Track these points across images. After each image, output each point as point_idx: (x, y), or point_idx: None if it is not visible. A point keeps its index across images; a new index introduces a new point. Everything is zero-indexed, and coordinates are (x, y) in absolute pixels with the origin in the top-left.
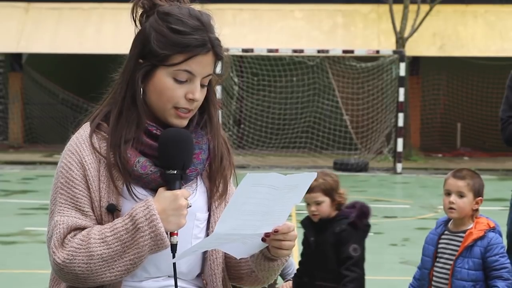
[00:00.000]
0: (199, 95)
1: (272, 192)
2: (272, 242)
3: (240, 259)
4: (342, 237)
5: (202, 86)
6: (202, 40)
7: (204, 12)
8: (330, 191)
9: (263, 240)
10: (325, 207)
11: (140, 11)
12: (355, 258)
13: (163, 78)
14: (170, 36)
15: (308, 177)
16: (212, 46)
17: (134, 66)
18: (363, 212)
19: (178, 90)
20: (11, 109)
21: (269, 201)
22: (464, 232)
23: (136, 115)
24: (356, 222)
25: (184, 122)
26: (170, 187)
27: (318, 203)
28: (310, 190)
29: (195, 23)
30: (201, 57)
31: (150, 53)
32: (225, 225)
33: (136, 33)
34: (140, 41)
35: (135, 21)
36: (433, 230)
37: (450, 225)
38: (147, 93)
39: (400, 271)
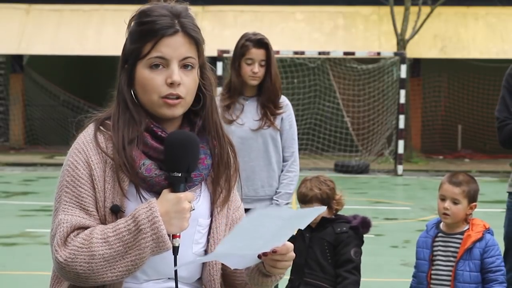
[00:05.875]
0: (178, 77)
1: (278, 222)
2: (269, 260)
3: (235, 270)
4: (342, 238)
5: (184, 69)
6: (167, 23)
7: (180, 5)
8: (327, 200)
9: (259, 257)
10: (324, 215)
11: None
12: (356, 262)
13: (141, 72)
14: (137, 29)
15: (316, 211)
16: (182, 27)
17: (120, 71)
18: (366, 221)
19: (156, 78)
20: (12, 111)
21: (274, 229)
22: (460, 234)
23: (131, 116)
24: (358, 227)
25: (176, 112)
26: (174, 189)
27: None
28: (308, 201)
29: (163, 12)
30: (169, 39)
31: (128, 53)
32: (225, 246)
33: None
34: (123, 48)
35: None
36: (424, 233)
37: (442, 227)
38: (138, 94)
39: (400, 273)
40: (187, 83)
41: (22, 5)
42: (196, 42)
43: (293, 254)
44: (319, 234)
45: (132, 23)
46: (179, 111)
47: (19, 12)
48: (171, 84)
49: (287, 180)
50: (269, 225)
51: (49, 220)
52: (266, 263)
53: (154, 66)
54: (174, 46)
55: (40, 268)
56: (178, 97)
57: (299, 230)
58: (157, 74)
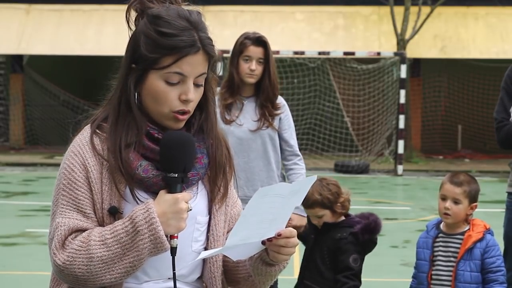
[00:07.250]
0: (192, 95)
1: (277, 200)
2: (273, 246)
3: (238, 263)
4: (341, 244)
5: (196, 85)
6: (190, 40)
7: (194, 11)
8: (329, 204)
9: (263, 243)
10: (327, 218)
11: (134, 14)
12: (356, 269)
13: (155, 82)
14: (157, 39)
15: (308, 181)
16: (202, 45)
17: (126, 71)
18: (369, 227)
19: (171, 93)
20: (12, 111)
21: (275, 208)
22: (461, 234)
23: (132, 119)
24: (357, 233)
25: (181, 124)
26: (171, 190)
27: (320, 217)
28: (310, 206)
29: (183, 24)
30: (191, 57)
31: (140, 57)
32: (235, 238)
33: (129, 37)
34: (131, 45)
35: (129, 25)
36: (424, 234)
37: (443, 227)
38: (143, 97)
39: (400, 273)
40: (196, 99)
41: (22, 5)
42: (210, 58)
43: (297, 240)
44: (322, 238)
45: (148, 27)
46: (183, 123)
47: (19, 12)
48: (184, 101)
49: (301, 177)
50: (270, 206)
51: (49, 220)
52: (270, 250)
53: (171, 80)
54: (194, 64)
55: (40, 268)
56: (187, 111)
57: (307, 231)
58: (172, 88)
